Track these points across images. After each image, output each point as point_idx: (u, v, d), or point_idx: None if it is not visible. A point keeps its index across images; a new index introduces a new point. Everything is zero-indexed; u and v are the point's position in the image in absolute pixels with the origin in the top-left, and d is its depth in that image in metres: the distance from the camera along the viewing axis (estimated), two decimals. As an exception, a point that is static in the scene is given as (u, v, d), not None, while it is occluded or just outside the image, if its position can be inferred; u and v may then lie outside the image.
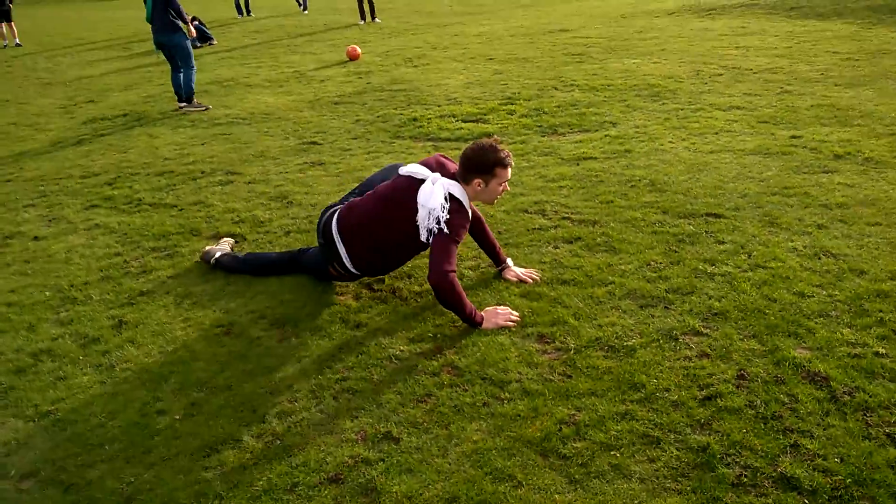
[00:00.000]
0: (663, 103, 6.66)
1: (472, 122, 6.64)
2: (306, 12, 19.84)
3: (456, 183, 3.17)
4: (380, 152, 5.95)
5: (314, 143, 6.40)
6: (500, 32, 12.45)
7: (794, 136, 5.39)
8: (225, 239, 4.18)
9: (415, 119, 6.88)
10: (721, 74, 7.67)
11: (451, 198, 3.12)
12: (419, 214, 3.12)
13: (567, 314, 3.12)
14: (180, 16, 8.06)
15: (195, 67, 8.47)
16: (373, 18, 16.17)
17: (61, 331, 3.41)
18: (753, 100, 6.58)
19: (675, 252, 3.65)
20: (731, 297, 3.15)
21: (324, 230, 3.48)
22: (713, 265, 3.47)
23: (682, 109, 6.41)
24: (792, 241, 3.67)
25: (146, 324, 3.41)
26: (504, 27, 13.18)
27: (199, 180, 5.54)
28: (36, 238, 4.67)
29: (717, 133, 5.66)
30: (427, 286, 3.49)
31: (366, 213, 3.36)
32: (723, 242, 3.72)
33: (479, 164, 3.12)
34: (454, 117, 6.83)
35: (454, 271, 3.05)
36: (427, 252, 3.24)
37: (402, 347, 3.01)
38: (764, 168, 4.78)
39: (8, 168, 6.48)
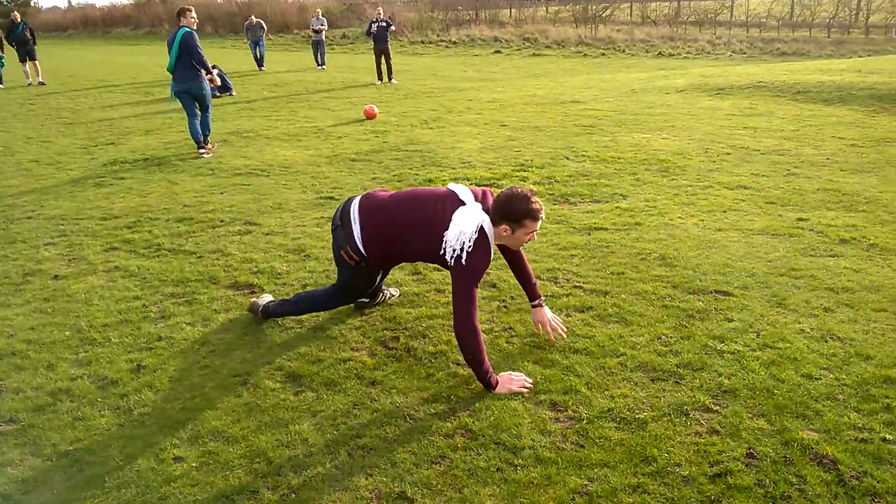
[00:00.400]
0: (673, 179, 6.82)
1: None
2: (324, 67, 20.37)
3: (489, 220, 3.22)
4: (395, 211, 6.08)
5: (331, 198, 6.54)
6: (514, 100, 12.77)
7: (800, 219, 5.52)
8: (265, 295, 4.14)
9: (430, 180, 7.04)
10: (729, 154, 7.86)
11: (481, 231, 3.17)
12: (449, 232, 3.17)
13: (580, 383, 3.19)
14: (203, 66, 8.41)
15: (211, 110, 8.94)
16: (390, 79, 16.59)
17: (80, 371, 3.47)
18: (761, 180, 6.74)
19: (685, 327, 3.73)
20: (740, 376, 3.22)
21: (342, 211, 3.53)
22: (722, 342, 3.54)
23: (690, 186, 6.56)
24: (799, 322, 3.75)
25: (164, 369, 3.47)
26: (517, 95, 13.53)
27: (219, 228, 5.66)
28: (56, 277, 4.76)
29: (725, 211, 5.79)
30: (441, 347, 3.56)
31: (394, 202, 3.45)
32: (731, 320, 3.80)
33: (509, 212, 3.15)
34: (468, 181, 6.99)
35: (476, 319, 3.12)
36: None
37: (416, 407, 3.06)
38: (771, 249, 4.89)
39: (29, 206, 6.61)
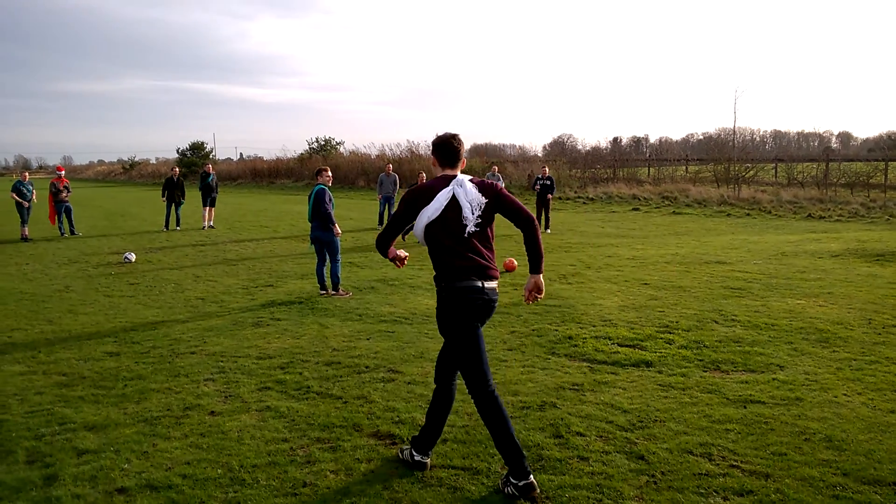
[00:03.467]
0: (834, 351, 6.37)
1: (629, 346, 6.62)
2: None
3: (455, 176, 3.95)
4: (535, 367, 6.02)
5: (471, 350, 6.59)
6: (655, 258, 12.65)
7: None
8: None
9: (570, 337, 6.97)
10: (896, 326, 7.30)
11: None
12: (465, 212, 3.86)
13: (743, 579, 2.89)
14: (327, 218, 9.37)
15: (340, 261, 9.74)
16: (546, 228, 18.01)
17: (229, 511, 3.56)
18: (937, 357, 6.16)
19: (862, 524, 3.34)
20: (936, 590, 2.81)
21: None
22: (909, 546, 3.14)
23: (855, 360, 6.09)
24: None
25: (307, 517, 3.49)
26: (658, 253, 13.40)
27: (363, 375, 5.82)
28: (212, 413, 5.02)
29: (897, 391, 5.30)
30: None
31: None
32: (918, 520, 3.38)
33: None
34: (610, 339, 6.86)
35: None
36: None
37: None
38: (958, 438, 4.38)
39: (194, 341, 7.12)
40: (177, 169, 20.64)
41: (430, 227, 3.86)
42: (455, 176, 3.95)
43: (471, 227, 3.84)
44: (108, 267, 12.69)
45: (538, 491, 3.66)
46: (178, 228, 19.55)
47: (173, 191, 19.63)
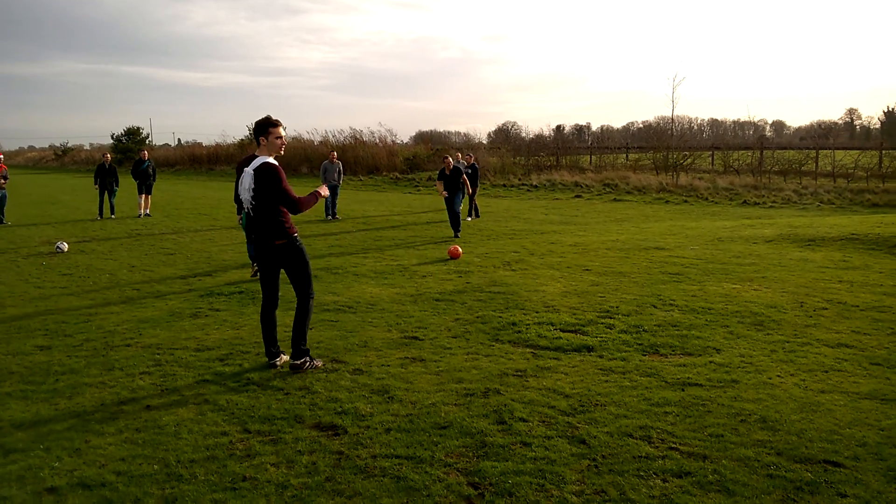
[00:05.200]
0: (768, 333, 6.57)
1: (571, 332, 6.69)
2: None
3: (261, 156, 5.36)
4: (479, 354, 6.04)
5: (415, 338, 6.57)
6: (596, 244, 12.83)
7: (912, 384, 5.17)
8: None
9: (513, 323, 7.01)
10: (826, 308, 7.56)
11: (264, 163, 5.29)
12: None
13: (681, 560, 2.95)
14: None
15: None
16: (472, 215, 18.11)
17: (165, 509, 3.46)
18: (863, 338, 6.41)
19: (794, 500, 3.45)
20: (862, 563, 2.92)
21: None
22: (838, 521, 3.25)
23: (787, 342, 6.29)
24: (924, 504, 3.42)
25: (247, 512, 3.42)
26: (599, 240, 13.60)
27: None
28: (148, 407, 4.87)
29: (826, 371, 5.50)
30: (530, 507, 3.39)
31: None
32: (844, 496, 3.50)
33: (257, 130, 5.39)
34: (552, 325, 6.92)
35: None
36: None
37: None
38: (882, 416, 4.56)
39: (129, 333, 6.91)
40: (108, 155, 19.98)
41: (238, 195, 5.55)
42: (253, 157, 5.36)
43: (247, 201, 5.34)
44: (38, 257, 12.21)
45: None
46: (112, 217, 18.94)
47: (106, 178, 18.99)
